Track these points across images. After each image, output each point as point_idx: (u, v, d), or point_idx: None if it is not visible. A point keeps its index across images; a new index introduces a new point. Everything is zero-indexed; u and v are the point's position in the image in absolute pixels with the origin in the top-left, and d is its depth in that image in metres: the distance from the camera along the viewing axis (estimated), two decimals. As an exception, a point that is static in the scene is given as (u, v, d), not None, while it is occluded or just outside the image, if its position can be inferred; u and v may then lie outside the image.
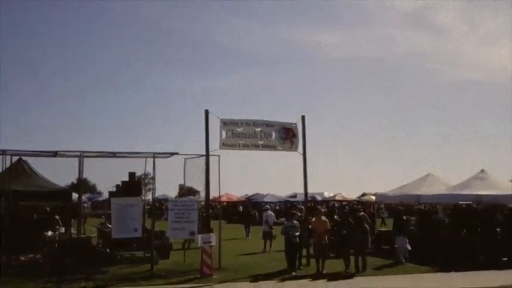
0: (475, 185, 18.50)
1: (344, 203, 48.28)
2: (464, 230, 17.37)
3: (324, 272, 14.31)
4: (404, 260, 16.13)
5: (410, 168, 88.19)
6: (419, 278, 13.94)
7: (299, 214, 17.19)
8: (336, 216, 19.47)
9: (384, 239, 19.13)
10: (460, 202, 19.19)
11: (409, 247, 16.55)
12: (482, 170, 19.50)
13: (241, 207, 47.44)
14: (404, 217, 18.05)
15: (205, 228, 15.86)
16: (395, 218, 18.75)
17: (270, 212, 23.00)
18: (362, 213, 17.14)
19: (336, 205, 47.42)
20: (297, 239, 14.94)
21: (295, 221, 15.41)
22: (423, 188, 20.60)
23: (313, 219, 15.61)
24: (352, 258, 14.75)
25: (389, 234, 19.25)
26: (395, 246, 16.66)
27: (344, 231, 15.20)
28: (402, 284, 12.98)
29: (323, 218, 15.49)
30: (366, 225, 15.31)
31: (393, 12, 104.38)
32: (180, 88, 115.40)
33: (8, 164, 15.39)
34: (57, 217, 18.45)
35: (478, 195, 17.63)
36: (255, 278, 13.60)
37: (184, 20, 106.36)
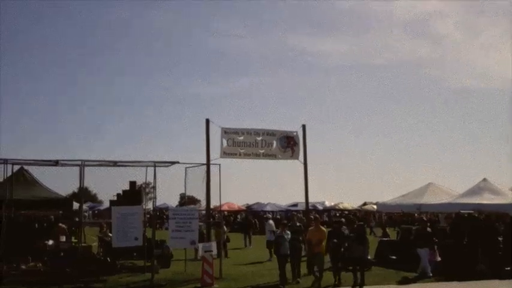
0: (477, 194, 18.45)
1: (345, 212, 48.28)
2: (466, 239, 17.29)
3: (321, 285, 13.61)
4: (421, 273, 15.39)
5: (411, 177, 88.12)
6: (421, 287, 13.90)
7: (298, 224, 16.69)
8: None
9: (389, 249, 18.88)
10: (461, 211, 19.13)
11: (438, 258, 16.09)
12: (484, 179, 19.46)
13: (239, 216, 47.35)
14: (429, 228, 16.88)
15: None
16: (418, 230, 17.49)
17: (270, 221, 23.00)
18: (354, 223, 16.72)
19: (337, 214, 47.43)
20: (288, 251, 14.13)
21: (287, 231, 14.72)
22: (425, 197, 20.56)
23: (310, 229, 14.83)
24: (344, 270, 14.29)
25: (393, 244, 19.18)
26: (423, 262, 15.61)
27: (335, 240, 14.31)
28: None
29: (320, 227, 14.66)
30: (367, 237, 14.74)
31: (393, 20, 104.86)
32: (181, 96, 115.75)
33: (9, 173, 15.41)
34: (63, 226, 18.46)
35: (480, 204, 17.59)
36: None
37: (186, 26, 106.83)
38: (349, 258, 13.95)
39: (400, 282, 14.42)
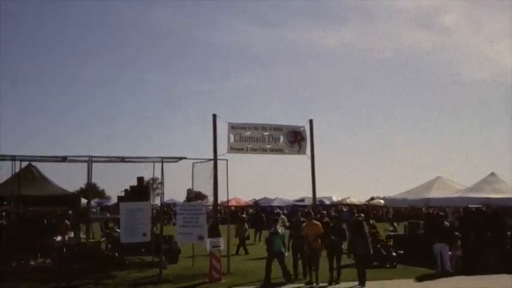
0: (485, 188, 18.37)
1: (352, 206, 48.19)
2: (474, 234, 17.22)
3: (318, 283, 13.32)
4: (441, 269, 14.90)
5: (419, 171, 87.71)
6: (429, 281, 13.85)
7: (302, 219, 16.19)
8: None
9: (396, 244, 18.75)
10: (469, 205, 19.05)
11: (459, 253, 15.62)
12: (492, 173, 19.37)
13: (244, 213, 47.15)
14: (446, 222, 16.41)
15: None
16: (434, 224, 17.01)
17: (282, 216, 22.88)
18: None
19: (343, 209, 47.32)
20: (281, 248, 13.75)
21: (281, 228, 14.27)
22: (432, 191, 20.47)
23: (304, 224, 14.29)
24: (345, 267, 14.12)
25: (401, 239, 19.11)
26: (437, 258, 15.18)
27: (333, 237, 13.93)
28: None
29: (314, 221, 14.16)
30: (366, 231, 14.27)
31: (399, 12, 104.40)
32: (187, 92, 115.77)
33: (17, 170, 15.50)
34: (67, 222, 18.57)
35: (487, 198, 17.51)
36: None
37: (191, 23, 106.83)
38: (354, 255, 13.65)
39: (407, 277, 14.40)
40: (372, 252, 14.03)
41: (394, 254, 16.68)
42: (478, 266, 15.14)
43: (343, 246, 14.25)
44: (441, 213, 19.52)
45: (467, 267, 15.06)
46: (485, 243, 16.14)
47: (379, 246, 16.75)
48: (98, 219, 24.16)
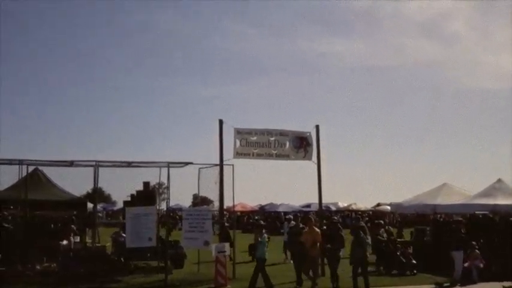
0: (492, 195, 18.24)
1: (358, 212, 48.07)
2: (482, 241, 17.11)
3: None
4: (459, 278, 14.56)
5: (426, 177, 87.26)
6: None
7: (301, 225, 15.23)
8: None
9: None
10: (476, 212, 18.91)
11: (480, 264, 15.17)
12: (499, 180, 19.24)
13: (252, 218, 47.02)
14: (462, 230, 16.13)
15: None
16: (445, 231, 16.89)
17: (293, 222, 22.65)
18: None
19: (350, 215, 47.20)
20: (264, 255, 13.53)
21: (264, 235, 14.01)
22: (439, 198, 20.35)
23: (304, 231, 13.99)
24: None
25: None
26: (456, 266, 14.80)
27: (329, 245, 13.57)
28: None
29: (315, 229, 13.84)
30: (366, 237, 14.04)
31: (406, 21, 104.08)
32: (194, 97, 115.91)
33: (24, 174, 15.55)
34: (73, 227, 18.60)
35: (495, 205, 17.38)
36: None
37: (197, 28, 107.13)
38: (351, 260, 13.29)
39: (421, 284, 14.29)
40: (368, 258, 13.59)
41: (414, 261, 16.40)
42: (485, 273, 14.99)
43: (341, 253, 13.95)
44: (461, 219, 19.23)
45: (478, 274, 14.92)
46: (494, 250, 16.02)
47: (398, 253, 16.61)
48: (112, 225, 24.17)
